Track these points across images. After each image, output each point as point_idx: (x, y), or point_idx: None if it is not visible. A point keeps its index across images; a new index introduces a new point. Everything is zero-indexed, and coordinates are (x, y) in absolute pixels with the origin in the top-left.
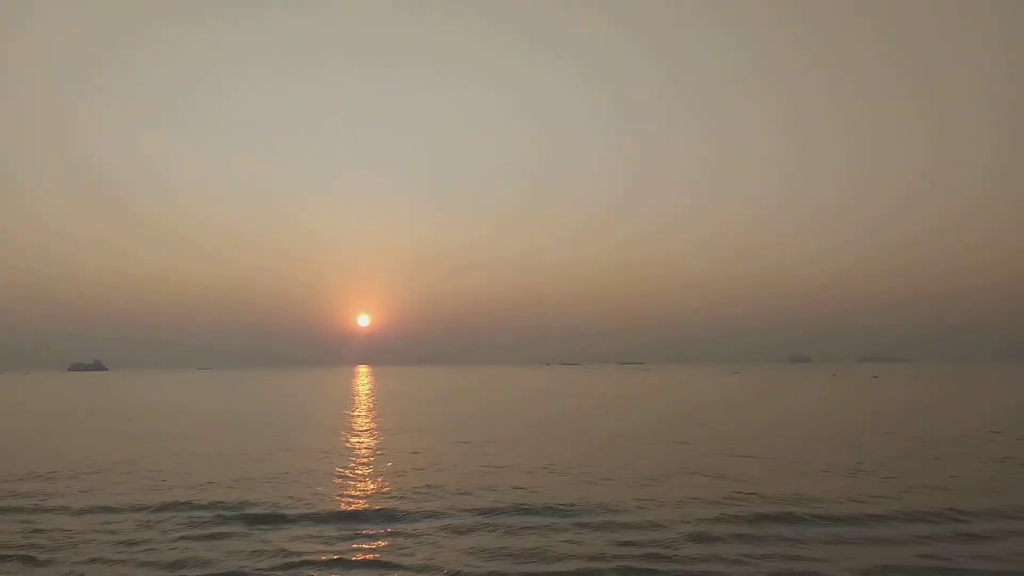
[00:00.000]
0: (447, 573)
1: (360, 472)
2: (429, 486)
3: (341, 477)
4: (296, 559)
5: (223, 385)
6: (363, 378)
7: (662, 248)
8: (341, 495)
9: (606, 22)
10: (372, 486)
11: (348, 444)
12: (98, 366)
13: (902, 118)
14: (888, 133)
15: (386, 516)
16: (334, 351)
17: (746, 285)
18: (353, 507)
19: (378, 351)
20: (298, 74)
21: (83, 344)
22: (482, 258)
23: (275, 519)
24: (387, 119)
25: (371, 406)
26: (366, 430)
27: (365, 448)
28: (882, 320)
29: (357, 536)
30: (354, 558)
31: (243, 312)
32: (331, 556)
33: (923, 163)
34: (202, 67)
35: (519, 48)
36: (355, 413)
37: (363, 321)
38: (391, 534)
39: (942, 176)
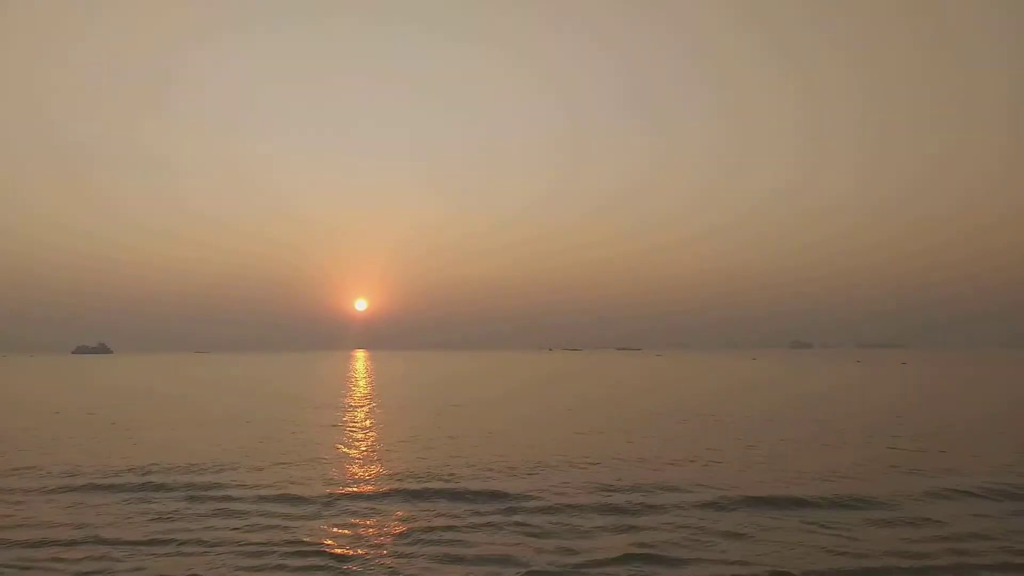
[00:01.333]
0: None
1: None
2: (567, 482)
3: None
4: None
5: (235, 369)
6: (369, 363)
7: (668, 236)
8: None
9: (628, 3)
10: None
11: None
12: (103, 349)
13: (914, 105)
14: (898, 121)
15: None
16: (330, 335)
17: (747, 272)
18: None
19: (376, 336)
20: (302, 55)
21: (81, 327)
22: (486, 246)
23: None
24: (392, 106)
25: (402, 391)
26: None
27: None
28: (880, 307)
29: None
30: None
31: (238, 297)
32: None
33: (933, 149)
34: (199, 51)
35: (536, 27)
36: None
37: (360, 305)
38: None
39: (952, 163)
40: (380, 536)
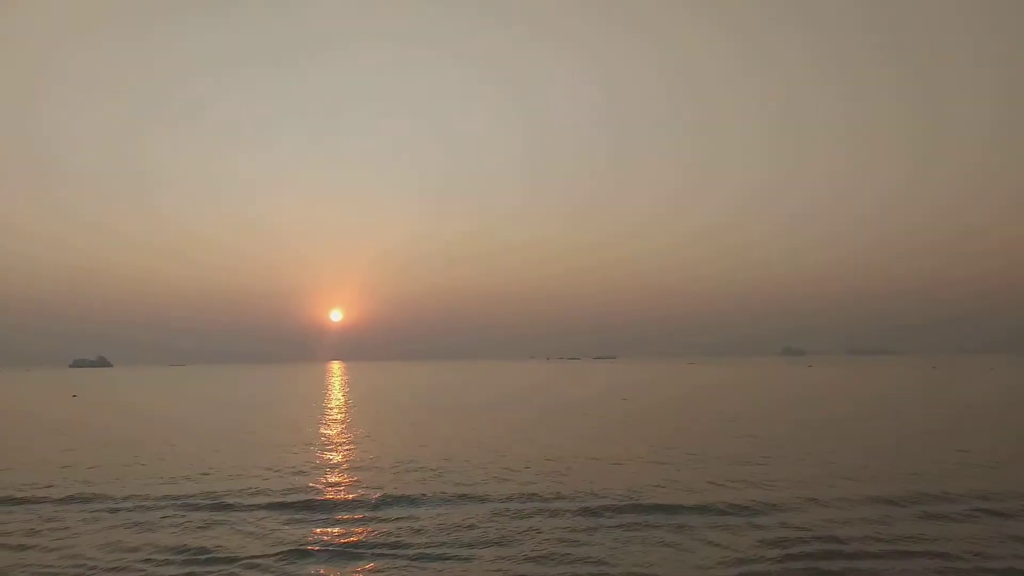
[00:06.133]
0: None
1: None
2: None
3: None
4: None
5: (240, 382)
6: (344, 374)
7: (651, 242)
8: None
9: (597, 13)
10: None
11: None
12: (102, 362)
13: (892, 111)
14: (878, 125)
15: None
16: (306, 347)
17: (735, 279)
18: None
19: (353, 346)
20: (279, 69)
21: (65, 340)
22: (465, 254)
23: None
24: (369, 120)
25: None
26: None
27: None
28: (869, 312)
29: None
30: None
31: (212, 309)
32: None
33: (913, 155)
34: (183, 63)
35: (509, 40)
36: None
37: (336, 316)
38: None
39: (932, 168)
40: (343, 541)
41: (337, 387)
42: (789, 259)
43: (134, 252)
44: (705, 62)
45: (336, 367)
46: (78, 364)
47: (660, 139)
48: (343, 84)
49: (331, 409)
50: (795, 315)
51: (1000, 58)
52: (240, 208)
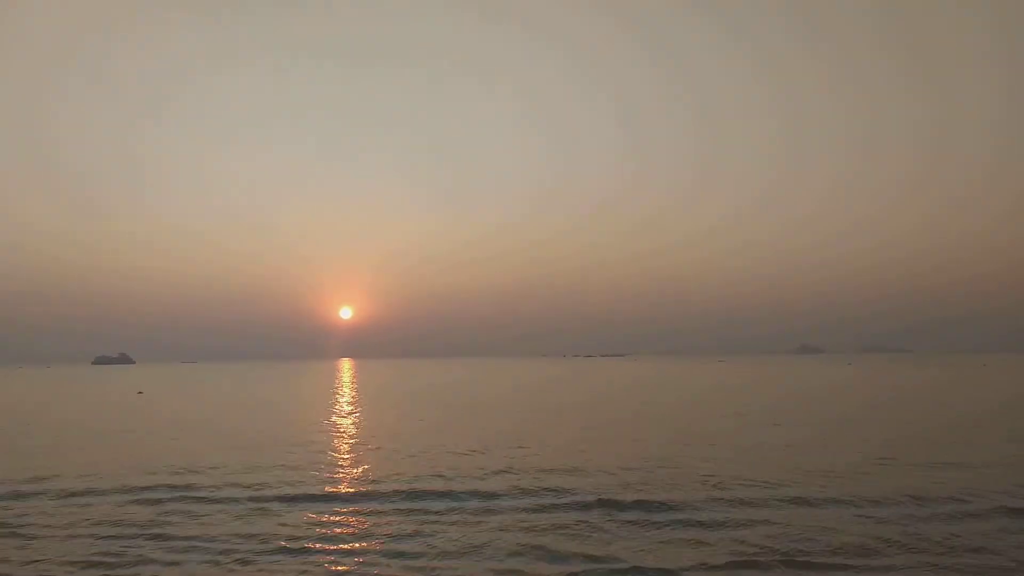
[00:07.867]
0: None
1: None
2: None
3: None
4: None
5: (273, 381)
6: (355, 372)
7: (662, 240)
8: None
9: (600, 12)
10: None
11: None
12: (125, 359)
13: (902, 107)
14: (887, 121)
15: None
16: (315, 344)
17: (747, 276)
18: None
19: (363, 344)
20: (289, 71)
21: (75, 337)
22: (477, 253)
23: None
24: (379, 116)
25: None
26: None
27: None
28: (881, 311)
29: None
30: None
31: (222, 307)
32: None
33: (924, 150)
34: (187, 63)
35: (512, 40)
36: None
37: (345, 314)
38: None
39: (943, 164)
40: (359, 537)
41: (353, 384)
42: (801, 257)
43: (146, 252)
44: (711, 60)
45: (347, 364)
46: (101, 361)
47: (671, 138)
48: (353, 85)
49: (363, 406)
50: (810, 313)
51: (1006, 59)
52: (252, 209)
